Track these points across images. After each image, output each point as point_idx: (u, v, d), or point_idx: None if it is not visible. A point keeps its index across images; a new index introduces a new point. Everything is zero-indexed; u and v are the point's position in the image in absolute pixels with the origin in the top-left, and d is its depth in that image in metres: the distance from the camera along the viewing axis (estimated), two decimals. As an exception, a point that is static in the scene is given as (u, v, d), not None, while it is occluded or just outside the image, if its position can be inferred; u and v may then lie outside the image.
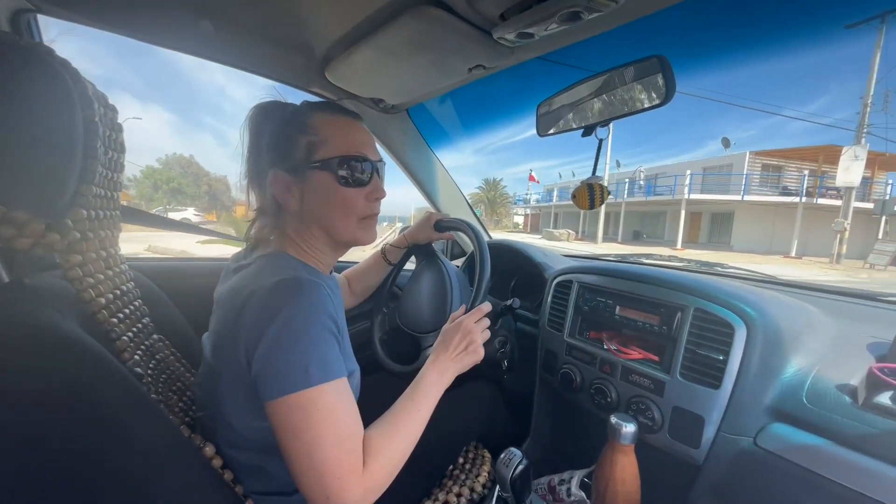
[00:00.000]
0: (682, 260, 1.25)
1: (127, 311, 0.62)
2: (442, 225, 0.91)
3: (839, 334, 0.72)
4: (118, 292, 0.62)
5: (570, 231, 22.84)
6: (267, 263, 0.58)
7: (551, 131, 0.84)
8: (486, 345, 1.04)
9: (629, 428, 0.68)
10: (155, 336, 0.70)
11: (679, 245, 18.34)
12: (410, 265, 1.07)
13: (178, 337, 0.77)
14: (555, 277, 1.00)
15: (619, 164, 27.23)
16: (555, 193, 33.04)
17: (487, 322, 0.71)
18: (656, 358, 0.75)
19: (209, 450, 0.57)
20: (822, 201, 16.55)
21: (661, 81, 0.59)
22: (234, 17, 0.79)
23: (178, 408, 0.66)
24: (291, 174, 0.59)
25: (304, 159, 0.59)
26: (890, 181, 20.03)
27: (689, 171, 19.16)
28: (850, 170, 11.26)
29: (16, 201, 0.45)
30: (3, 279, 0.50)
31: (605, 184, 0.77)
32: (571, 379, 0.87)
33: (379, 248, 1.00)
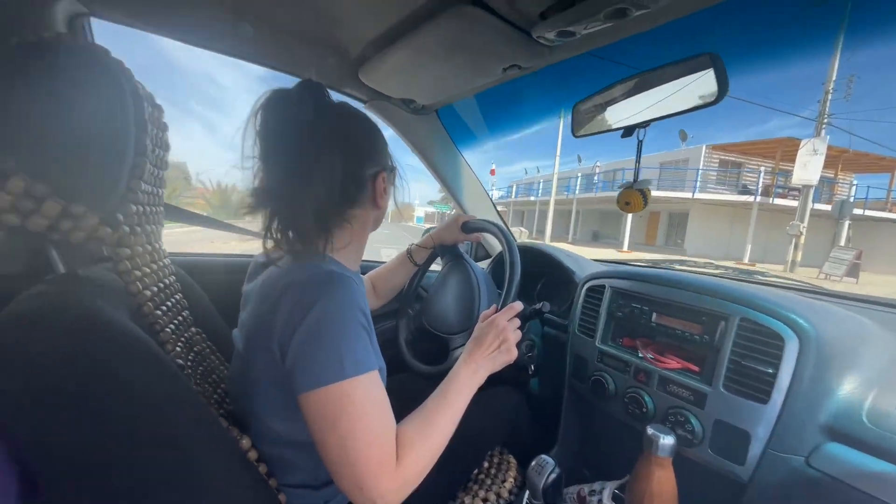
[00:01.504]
0: (718, 266, 1.20)
1: (169, 303, 0.64)
2: (470, 226, 0.90)
3: None
4: (161, 285, 0.63)
5: (522, 229, 21.40)
6: (299, 258, 0.58)
7: (587, 132, 0.82)
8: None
9: (667, 440, 0.65)
10: (193, 329, 0.72)
11: (625, 247, 16.48)
12: (436, 267, 1.06)
13: (212, 330, 0.79)
14: (586, 282, 0.97)
15: (580, 160, 25.42)
16: (513, 189, 32.18)
17: (518, 322, 0.70)
18: (696, 368, 0.72)
19: (245, 442, 0.58)
20: (779, 202, 14.70)
21: (712, 79, 0.57)
22: (271, 19, 0.81)
23: (213, 399, 0.67)
24: (390, 173, 0.64)
25: (391, 162, 0.66)
26: (855, 182, 17.54)
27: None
28: (808, 166, 9.68)
29: (73, 195, 0.47)
30: (59, 270, 0.52)
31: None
32: (603, 386, 0.84)
33: (405, 248, 1.00)
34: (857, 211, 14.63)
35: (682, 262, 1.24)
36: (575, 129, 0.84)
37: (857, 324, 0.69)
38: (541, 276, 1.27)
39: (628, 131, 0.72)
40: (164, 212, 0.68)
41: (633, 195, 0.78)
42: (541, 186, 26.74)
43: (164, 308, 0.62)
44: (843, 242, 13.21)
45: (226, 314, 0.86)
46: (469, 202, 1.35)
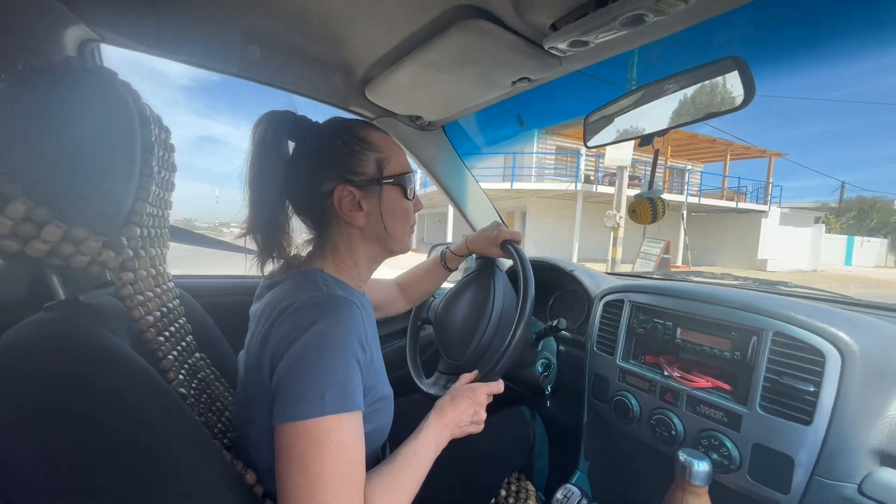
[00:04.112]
0: (737, 277, 1.16)
1: (172, 328, 0.62)
2: (508, 248, 0.83)
3: None
4: (165, 310, 0.61)
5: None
6: (301, 280, 0.57)
7: (601, 142, 0.80)
8: (527, 368, 0.99)
9: (702, 467, 0.61)
10: (197, 354, 0.69)
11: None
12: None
13: (218, 355, 0.76)
14: (603, 296, 0.94)
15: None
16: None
17: (491, 399, 0.68)
18: (728, 387, 0.68)
19: (251, 477, 0.54)
20: (602, 189, 12.25)
21: (738, 84, 0.55)
22: (279, 41, 0.81)
23: (217, 429, 0.64)
24: (361, 189, 0.59)
25: (376, 175, 0.60)
26: (688, 168, 15.81)
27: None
28: (620, 145, 7.49)
29: (75, 218, 0.45)
30: (60, 296, 0.50)
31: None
32: (627, 407, 0.80)
33: (438, 253, 0.96)
34: (693, 200, 14.14)
35: (698, 275, 1.20)
36: (587, 139, 0.83)
37: None
38: (553, 291, 1.24)
39: (646, 140, 0.70)
40: (168, 234, 0.66)
41: (641, 204, 0.73)
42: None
43: (167, 334, 0.59)
44: (682, 236, 12.28)
45: (231, 338, 0.83)
46: (475, 216, 1.33)
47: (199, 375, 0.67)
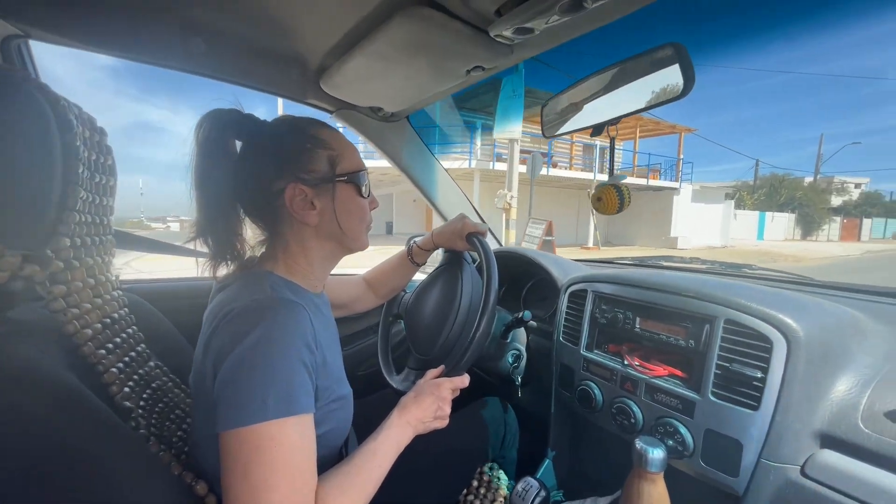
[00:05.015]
0: (704, 261, 1.17)
1: (118, 339, 0.60)
2: (474, 241, 0.81)
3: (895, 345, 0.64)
4: (108, 321, 0.59)
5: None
6: (247, 283, 0.55)
7: (559, 131, 0.79)
8: (498, 359, 1.00)
9: (656, 454, 0.62)
10: (151, 363, 0.67)
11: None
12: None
13: (179, 360, 0.75)
14: (568, 286, 0.94)
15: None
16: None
17: (457, 394, 0.68)
18: (683, 374, 0.69)
19: (201, 487, 0.54)
20: (500, 166, 10.85)
21: (677, 71, 0.53)
22: (223, 33, 0.77)
23: (175, 437, 0.63)
24: (313, 187, 0.57)
25: (328, 173, 0.58)
26: (597, 143, 12.47)
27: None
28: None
29: None
30: None
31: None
32: (590, 397, 0.81)
33: (405, 248, 0.94)
34: (602, 178, 13.21)
35: (668, 259, 1.21)
36: (546, 130, 0.81)
37: (848, 318, 0.66)
38: (525, 282, 1.24)
39: (597, 129, 0.68)
40: (113, 241, 0.64)
41: (606, 191, 0.72)
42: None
43: (111, 346, 0.57)
44: (590, 215, 11.57)
45: (195, 342, 0.82)
46: (447, 208, 1.32)
47: (153, 385, 0.65)
